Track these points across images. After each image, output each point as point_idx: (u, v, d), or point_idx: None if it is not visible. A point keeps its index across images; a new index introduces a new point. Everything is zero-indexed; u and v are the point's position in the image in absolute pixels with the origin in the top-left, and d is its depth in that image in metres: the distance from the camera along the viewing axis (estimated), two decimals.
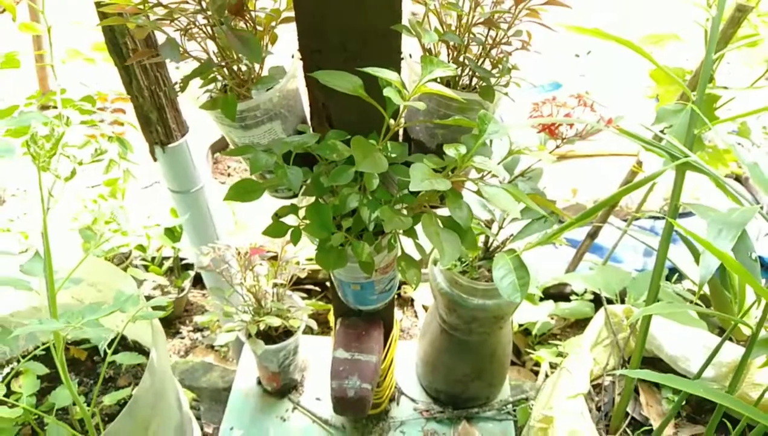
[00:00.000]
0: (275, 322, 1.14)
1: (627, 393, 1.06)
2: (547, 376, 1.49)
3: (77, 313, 0.83)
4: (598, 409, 1.14)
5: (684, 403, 1.19)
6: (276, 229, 0.70)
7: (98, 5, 0.88)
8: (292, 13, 0.70)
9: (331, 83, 0.57)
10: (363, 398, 1.00)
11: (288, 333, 1.23)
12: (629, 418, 1.12)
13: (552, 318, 1.74)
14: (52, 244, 0.76)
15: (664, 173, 1.12)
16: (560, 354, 1.37)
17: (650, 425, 1.10)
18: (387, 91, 0.53)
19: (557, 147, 1.15)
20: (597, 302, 1.78)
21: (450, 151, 0.57)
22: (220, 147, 2.30)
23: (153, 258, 1.87)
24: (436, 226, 0.57)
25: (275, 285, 1.17)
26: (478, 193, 0.59)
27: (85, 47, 0.98)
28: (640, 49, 0.87)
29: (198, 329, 1.94)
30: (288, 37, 0.74)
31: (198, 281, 2.04)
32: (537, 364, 1.59)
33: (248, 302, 1.17)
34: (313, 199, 0.69)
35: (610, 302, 1.32)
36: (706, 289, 1.92)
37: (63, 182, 0.86)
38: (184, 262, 1.92)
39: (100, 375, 1.14)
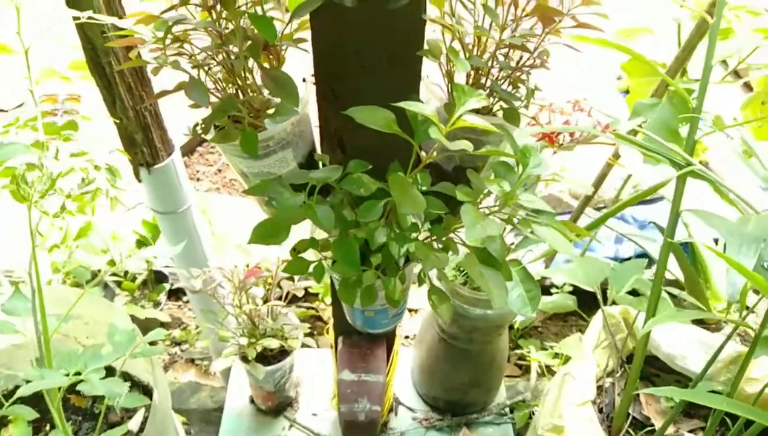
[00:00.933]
0: (273, 344, 1.11)
1: (628, 397, 1.07)
2: (538, 374, 1.51)
3: (76, 358, 0.78)
4: (600, 411, 1.15)
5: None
6: (297, 266, 0.66)
7: (80, 27, 0.82)
8: (302, 34, 0.66)
9: (364, 120, 0.54)
10: (374, 420, 0.98)
11: (283, 352, 1.19)
12: (630, 418, 1.14)
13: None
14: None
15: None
16: (556, 355, 1.38)
17: (652, 424, 1.12)
18: (431, 132, 0.50)
19: (554, 153, 1.14)
20: (577, 293, 1.81)
21: (493, 187, 0.55)
22: (189, 149, 2.21)
23: (125, 272, 1.79)
24: (479, 265, 0.55)
25: (268, 304, 1.13)
26: (522, 225, 0.57)
27: (62, 65, 0.90)
28: (611, 44, 0.84)
29: (176, 343, 1.88)
30: (294, 60, 0.70)
31: (173, 293, 1.96)
32: (522, 358, 1.61)
33: (243, 324, 1.13)
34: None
35: (592, 295, 1.33)
36: (678, 274, 1.98)
37: (51, 218, 0.80)
38: (158, 274, 1.85)
39: (90, 412, 1.08)
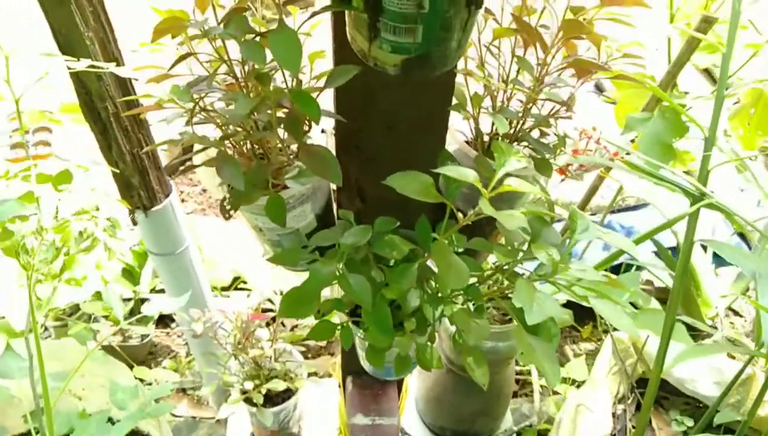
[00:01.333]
0: (280, 386, 1.07)
1: (642, 427, 1.06)
2: (541, 394, 1.50)
3: (81, 426, 0.73)
4: None
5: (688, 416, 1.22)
6: (322, 331, 0.62)
7: (75, 74, 0.77)
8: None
9: (403, 189, 0.50)
10: None
11: (287, 389, 1.15)
12: None
13: None
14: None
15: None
16: (564, 380, 1.37)
17: None
18: (481, 204, 0.47)
19: (562, 181, 1.12)
20: (571, 305, 1.80)
21: (540, 255, 0.52)
22: (171, 169, 2.14)
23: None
24: (528, 336, 0.52)
25: (274, 347, 1.08)
26: (574, 295, 0.54)
27: (52, 105, 0.85)
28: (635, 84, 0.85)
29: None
30: None
31: (161, 320, 1.90)
32: (520, 373, 1.59)
33: (246, 366, 1.08)
34: None
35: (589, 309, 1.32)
36: (668, 281, 1.98)
37: (51, 281, 0.75)
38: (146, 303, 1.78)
39: None
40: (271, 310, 1.64)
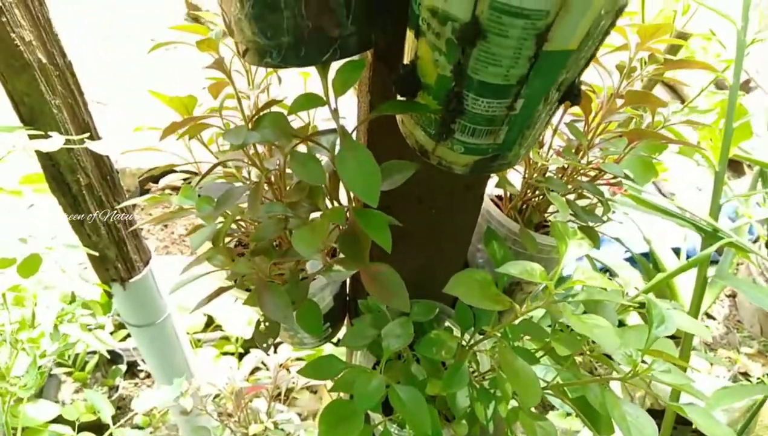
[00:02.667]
0: None
1: None
2: None
3: None
4: None
5: None
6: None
7: (44, 156, 0.66)
8: None
9: (465, 297, 0.44)
10: None
11: None
12: None
13: None
14: None
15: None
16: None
17: None
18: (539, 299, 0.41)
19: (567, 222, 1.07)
20: None
21: (618, 354, 0.46)
22: (149, 179, 2.00)
23: (76, 356, 1.57)
24: None
25: (272, 419, 0.99)
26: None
27: (11, 180, 0.73)
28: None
29: (138, 427, 1.68)
30: None
31: (128, 369, 1.76)
32: None
33: None
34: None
35: None
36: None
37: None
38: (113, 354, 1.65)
39: None
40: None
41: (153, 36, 3.32)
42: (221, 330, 1.73)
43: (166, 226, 2.01)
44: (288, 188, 0.39)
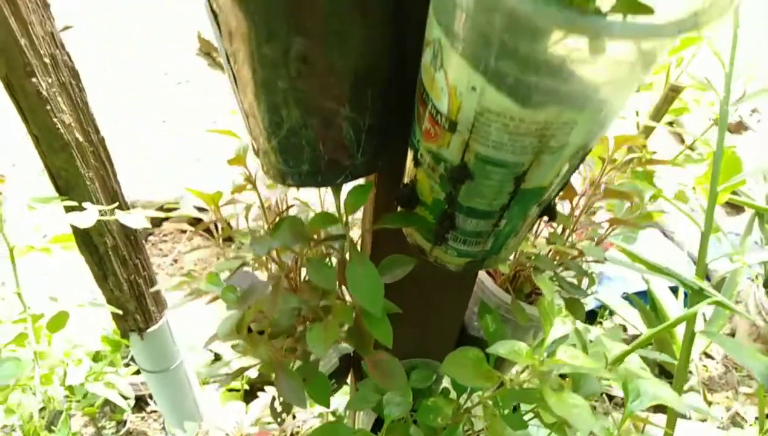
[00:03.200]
0: None
1: None
2: None
3: None
4: None
5: None
6: None
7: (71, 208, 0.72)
8: None
9: (463, 379, 0.49)
10: None
11: None
12: None
13: None
14: None
15: None
16: None
17: None
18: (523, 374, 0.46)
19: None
20: None
21: (595, 427, 0.51)
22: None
23: (85, 395, 1.62)
24: None
25: None
26: None
27: (42, 239, 0.79)
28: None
29: None
30: None
31: (135, 403, 1.80)
32: None
33: None
34: None
35: None
36: (641, 327, 2.03)
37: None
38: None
39: None
40: None
41: (166, 70, 3.42)
42: (227, 366, 1.77)
43: (176, 260, 2.07)
44: (302, 281, 0.44)
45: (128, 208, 0.75)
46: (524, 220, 0.39)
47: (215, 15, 0.33)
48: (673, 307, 2.09)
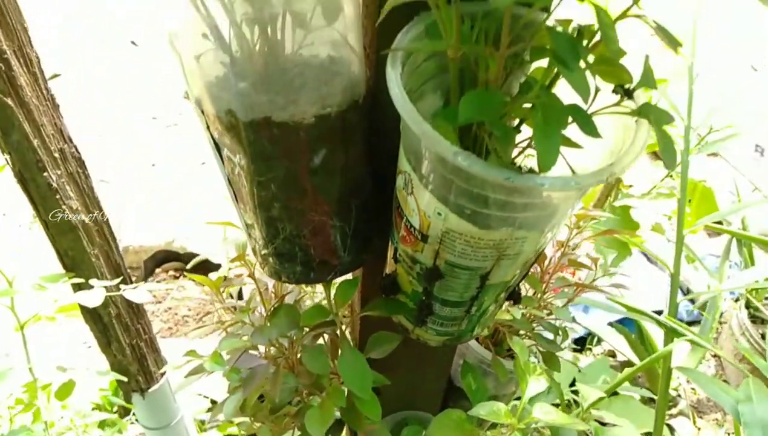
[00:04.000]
0: None
1: None
2: None
3: None
4: None
5: None
6: None
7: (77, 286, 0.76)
8: None
9: None
10: None
11: None
12: None
13: None
14: None
15: None
16: None
17: None
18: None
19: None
20: None
21: None
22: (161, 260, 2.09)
23: None
24: None
25: None
26: None
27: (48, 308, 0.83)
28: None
29: None
30: None
31: None
32: None
33: None
34: None
35: None
36: (629, 354, 2.08)
37: None
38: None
39: None
40: None
41: (155, 114, 3.48)
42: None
43: (170, 308, 2.10)
44: (298, 361, 0.49)
45: (130, 280, 0.80)
46: (492, 305, 0.44)
47: (218, 148, 0.39)
48: (658, 333, 2.14)
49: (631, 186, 2.04)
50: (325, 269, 0.43)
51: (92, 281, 0.71)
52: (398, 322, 0.50)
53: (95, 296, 0.66)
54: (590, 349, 2.26)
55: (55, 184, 0.64)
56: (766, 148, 2.81)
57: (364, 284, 0.49)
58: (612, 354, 2.27)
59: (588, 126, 0.29)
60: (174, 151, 3.02)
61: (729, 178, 2.59)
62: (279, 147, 0.35)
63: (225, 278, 0.55)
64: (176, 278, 2.22)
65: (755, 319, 2.20)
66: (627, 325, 2.09)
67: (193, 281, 2.22)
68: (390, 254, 0.45)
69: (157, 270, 2.22)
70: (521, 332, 0.66)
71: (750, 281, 1.75)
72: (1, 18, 0.55)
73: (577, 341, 2.24)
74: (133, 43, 3.70)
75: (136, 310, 0.85)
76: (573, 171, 0.34)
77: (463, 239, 0.35)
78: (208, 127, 0.38)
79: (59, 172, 0.64)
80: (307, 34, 0.33)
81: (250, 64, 0.33)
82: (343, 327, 0.46)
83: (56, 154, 0.63)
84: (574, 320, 0.65)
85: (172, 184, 2.75)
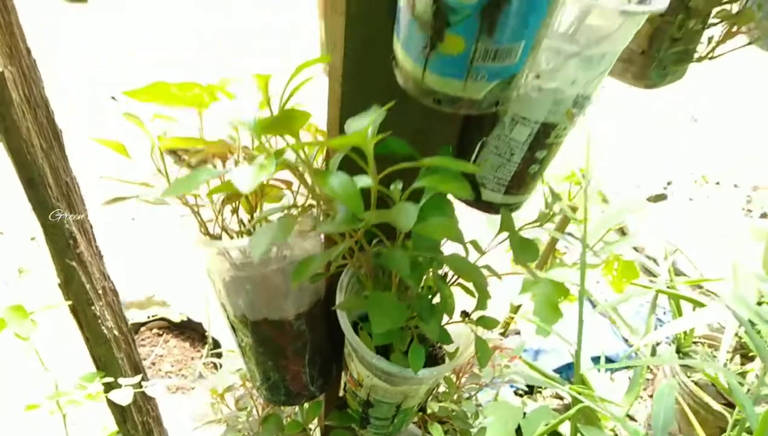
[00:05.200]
0: None
1: None
2: None
3: None
4: None
5: None
6: None
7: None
8: None
9: None
10: None
11: None
12: None
13: None
14: None
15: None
16: None
17: None
18: None
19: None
20: None
21: None
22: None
23: None
24: None
25: None
26: None
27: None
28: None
29: None
30: None
31: None
32: None
33: None
34: None
35: None
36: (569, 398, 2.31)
37: None
38: None
39: None
40: None
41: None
42: None
43: (153, 363, 2.28)
44: None
45: (146, 376, 1.02)
46: (408, 416, 0.69)
47: (234, 329, 0.63)
48: (595, 375, 2.40)
49: (564, 253, 2.33)
50: (300, 395, 0.67)
51: (120, 380, 0.93)
52: (350, 426, 0.74)
53: (125, 395, 0.88)
54: (540, 391, 2.50)
55: (98, 313, 0.86)
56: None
57: (326, 404, 0.73)
58: (559, 397, 2.52)
59: (445, 338, 0.54)
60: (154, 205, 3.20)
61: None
62: (272, 333, 0.60)
63: (230, 387, 0.78)
64: (160, 335, 2.41)
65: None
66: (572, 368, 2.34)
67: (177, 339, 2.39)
68: (342, 382, 0.69)
69: (142, 328, 2.40)
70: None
71: (671, 332, 2.04)
72: (68, 199, 0.79)
73: (528, 384, 2.48)
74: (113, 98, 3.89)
75: (148, 396, 1.07)
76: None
77: (382, 388, 0.60)
78: (228, 318, 0.62)
79: (101, 303, 0.87)
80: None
81: (256, 293, 0.58)
82: (312, 429, 0.70)
83: (100, 291, 0.86)
84: (478, 407, 0.90)
85: (153, 237, 2.92)
